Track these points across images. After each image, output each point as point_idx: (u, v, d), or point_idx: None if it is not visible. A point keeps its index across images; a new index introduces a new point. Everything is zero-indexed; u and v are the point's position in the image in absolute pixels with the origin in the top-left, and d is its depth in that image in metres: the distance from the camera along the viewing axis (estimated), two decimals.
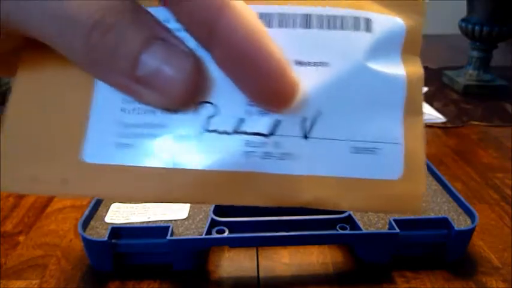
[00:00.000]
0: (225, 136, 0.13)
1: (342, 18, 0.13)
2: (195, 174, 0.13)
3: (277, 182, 0.13)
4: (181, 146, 0.13)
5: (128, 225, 0.35)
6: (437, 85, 0.80)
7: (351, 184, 0.13)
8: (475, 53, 0.76)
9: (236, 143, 0.13)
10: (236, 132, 0.13)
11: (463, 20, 0.75)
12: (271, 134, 0.13)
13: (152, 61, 0.12)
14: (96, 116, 0.13)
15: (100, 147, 0.13)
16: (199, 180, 0.13)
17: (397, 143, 0.13)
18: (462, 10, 0.77)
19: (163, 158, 0.13)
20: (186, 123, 0.13)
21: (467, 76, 0.77)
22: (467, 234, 0.35)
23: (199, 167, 0.13)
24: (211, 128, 0.13)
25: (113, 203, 0.38)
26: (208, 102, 0.13)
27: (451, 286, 0.33)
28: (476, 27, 0.71)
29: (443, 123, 0.64)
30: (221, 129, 0.13)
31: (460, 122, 0.64)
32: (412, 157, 0.13)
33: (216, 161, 0.13)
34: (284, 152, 0.13)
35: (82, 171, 0.13)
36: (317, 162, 0.13)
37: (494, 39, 0.72)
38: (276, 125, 0.13)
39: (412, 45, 0.14)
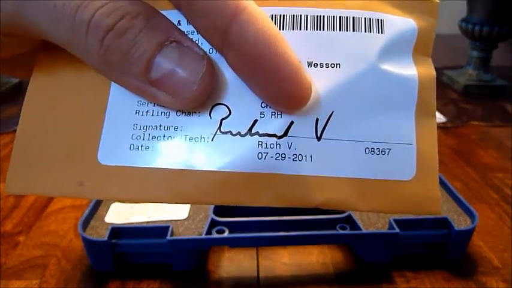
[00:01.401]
0: (238, 137, 0.13)
1: (354, 19, 0.13)
2: (209, 176, 0.13)
3: (291, 183, 0.13)
4: (195, 147, 0.13)
5: (127, 225, 0.35)
6: (437, 85, 0.79)
7: (364, 185, 0.13)
8: (475, 53, 0.76)
9: (250, 144, 0.13)
10: (250, 133, 0.13)
11: (463, 20, 0.75)
12: (285, 135, 0.13)
13: (166, 63, 0.12)
14: (111, 117, 0.13)
15: (115, 149, 0.13)
16: (213, 182, 0.13)
17: (409, 144, 0.13)
18: (462, 10, 0.77)
19: (177, 159, 0.13)
20: (199, 124, 0.13)
21: (467, 76, 0.77)
22: (467, 234, 0.35)
23: (213, 168, 0.13)
24: (224, 130, 0.13)
25: (113, 202, 0.38)
26: (222, 104, 0.13)
27: (451, 286, 0.33)
28: (476, 27, 0.71)
29: (443, 123, 0.64)
30: (234, 130, 0.13)
31: (460, 122, 0.64)
32: (424, 158, 0.13)
33: (230, 162, 0.13)
34: (297, 153, 0.13)
35: (98, 174, 0.13)
36: (330, 163, 0.13)
37: (494, 39, 0.72)
38: (290, 126, 0.13)
39: (423, 46, 0.14)
